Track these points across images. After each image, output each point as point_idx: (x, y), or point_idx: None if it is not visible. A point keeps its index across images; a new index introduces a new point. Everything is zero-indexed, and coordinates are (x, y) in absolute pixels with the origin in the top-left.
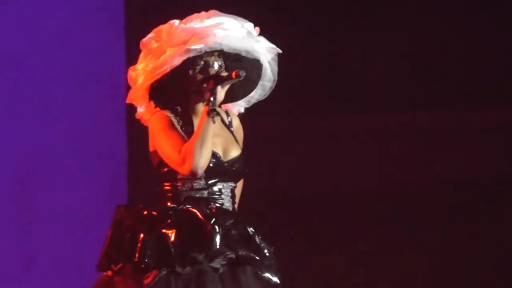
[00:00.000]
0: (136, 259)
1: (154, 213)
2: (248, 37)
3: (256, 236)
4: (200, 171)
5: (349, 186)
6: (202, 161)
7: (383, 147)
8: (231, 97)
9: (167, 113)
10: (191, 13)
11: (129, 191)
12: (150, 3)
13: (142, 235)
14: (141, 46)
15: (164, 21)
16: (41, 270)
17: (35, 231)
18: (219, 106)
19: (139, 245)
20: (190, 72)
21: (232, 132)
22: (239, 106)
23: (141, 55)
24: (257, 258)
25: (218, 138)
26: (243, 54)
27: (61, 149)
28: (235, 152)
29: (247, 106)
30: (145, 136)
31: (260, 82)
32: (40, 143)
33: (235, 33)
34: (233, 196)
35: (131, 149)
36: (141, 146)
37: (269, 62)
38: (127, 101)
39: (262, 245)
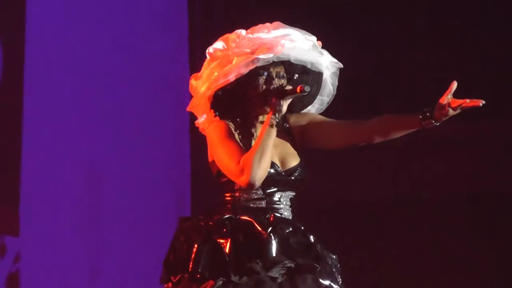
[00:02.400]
0: (190, 269)
1: (211, 223)
2: (313, 49)
3: (318, 244)
4: (258, 182)
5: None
6: (260, 173)
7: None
8: (288, 109)
9: (226, 123)
10: (255, 21)
11: (192, 202)
12: (214, 12)
13: (196, 246)
14: (207, 54)
15: (228, 30)
16: (105, 280)
17: (100, 241)
18: None
19: (193, 255)
20: (254, 82)
21: (292, 139)
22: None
23: (205, 63)
24: (317, 266)
25: (276, 148)
26: (309, 66)
27: (126, 160)
28: (293, 161)
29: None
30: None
31: (319, 97)
32: (105, 154)
33: (301, 44)
34: (292, 205)
35: (195, 160)
36: (204, 157)
37: (330, 76)
38: (188, 108)
39: (324, 252)
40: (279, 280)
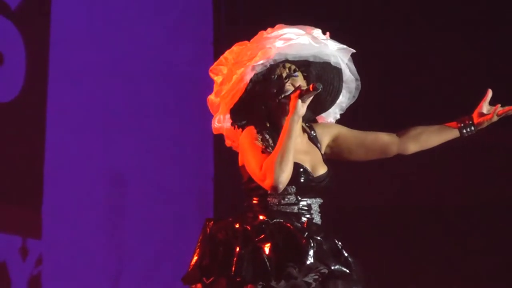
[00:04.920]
0: (232, 273)
1: (248, 227)
2: (315, 42)
3: (344, 250)
4: (281, 186)
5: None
6: (283, 176)
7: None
8: (321, 108)
9: (256, 128)
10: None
11: (215, 204)
12: (239, 17)
13: (238, 249)
14: (210, 75)
15: (252, 35)
16: (127, 284)
17: (122, 244)
18: (314, 120)
19: (235, 258)
20: (269, 87)
21: (318, 148)
22: (333, 114)
23: (214, 84)
24: (348, 271)
25: (307, 155)
26: (311, 59)
27: (149, 163)
28: (322, 169)
29: (341, 112)
30: (230, 151)
31: (345, 86)
32: (128, 157)
33: (298, 41)
34: (321, 212)
35: (218, 164)
36: (227, 161)
37: (347, 64)
38: (215, 132)
39: (350, 259)
40: (313, 285)
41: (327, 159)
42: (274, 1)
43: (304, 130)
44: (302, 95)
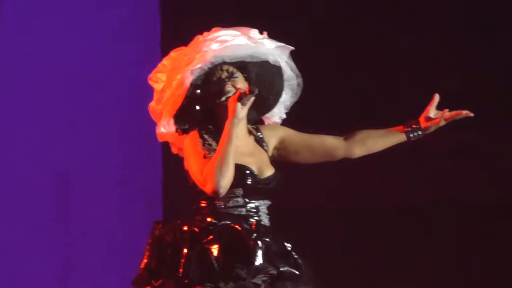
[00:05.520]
0: (180, 274)
1: (195, 229)
2: (251, 42)
3: (293, 252)
4: (223, 190)
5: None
6: (224, 181)
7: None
8: (265, 107)
9: (198, 133)
10: (226, 26)
11: (164, 207)
12: (186, 18)
13: (185, 250)
14: (150, 83)
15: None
16: (76, 285)
17: (70, 246)
18: (259, 121)
19: (182, 260)
20: (209, 90)
21: (265, 149)
22: (279, 114)
23: (155, 92)
24: (297, 273)
25: (253, 157)
26: (248, 59)
27: (97, 164)
28: (269, 170)
29: (286, 111)
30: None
31: (286, 84)
32: (76, 158)
33: (234, 42)
34: (269, 213)
35: (166, 165)
36: (176, 163)
37: (286, 62)
38: (160, 140)
39: (299, 260)
40: (261, 287)
41: (274, 161)
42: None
43: (250, 132)
44: (241, 98)
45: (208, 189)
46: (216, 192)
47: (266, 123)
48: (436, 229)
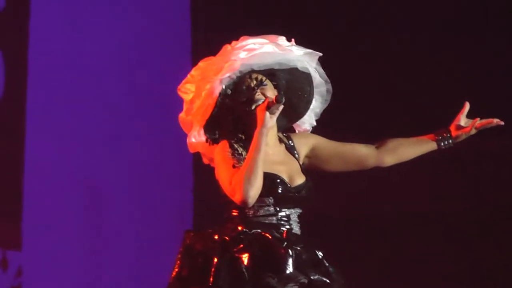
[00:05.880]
0: (210, 284)
1: (226, 237)
2: (279, 49)
3: (325, 260)
4: (251, 200)
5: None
6: (253, 191)
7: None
8: (295, 115)
9: (229, 142)
10: (254, 34)
11: (194, 216)
12: (216, 28)
13: (215, 259)
14: (179, 93)
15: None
16: None
17: (102, 256)
18: (290, 129)
19: (212, 269)
20: (236, 99)
21: (296, 158)
22: (309, 120)
23: (184, 103)
24: (328, 281)
25: (284, 165)
26: (277, 67)
27: (129, 175)
28: (300, 179)
29: (316, 118)
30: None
31: (316, 90)
32: (106, 169)
33: (261, 50)
34: (300, 222)
35: (197, 175)
36: (207, 173)
37: (315, 68)
38: (191, 151)
39: (331, 269)
40: None
41: (306, 169)
42: (253, 7)
43: (280, 140)
44: (269, 106)
45: (237, 199)
46: (244, 202)
47: (297, 130)
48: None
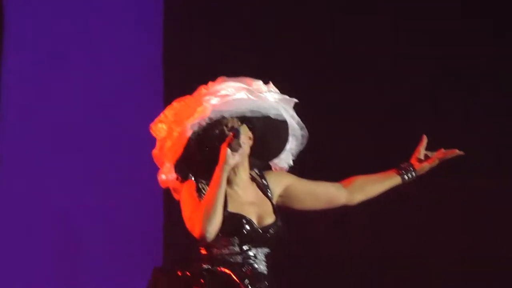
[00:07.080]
0: None
1: (188, 273)
2: (253, 96)
3: None
4: (209, 235)
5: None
6: (211, 227)
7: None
8: (270, 154)
9: (194, 181)
10: (232, 70)
11: (164, 254)
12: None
13: None
14: (152, 132)
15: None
16: None
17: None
18: (266, 166)
19: None
20: (208, 141)
21: (269, 197)
22: (286, 160)
23: (157, 140)
24: None
25: (254, 206)
26: (249, 114)
27: (98, 209)
28: (270, 218)
29: (293, 158)
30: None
31: (292, 133)
32: (78, 202)
33: (234, 96)
34: (268, 261)
35: (167, 211)
36: (178, 209)
37: (291, 115)
38: (162, 186)
39: None
40: None
41: (278, 207)
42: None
43: (253, 179)
44: (230, 144)
45: (196, 233)
46: (202, 237)
47: (273, 168)
48: None
